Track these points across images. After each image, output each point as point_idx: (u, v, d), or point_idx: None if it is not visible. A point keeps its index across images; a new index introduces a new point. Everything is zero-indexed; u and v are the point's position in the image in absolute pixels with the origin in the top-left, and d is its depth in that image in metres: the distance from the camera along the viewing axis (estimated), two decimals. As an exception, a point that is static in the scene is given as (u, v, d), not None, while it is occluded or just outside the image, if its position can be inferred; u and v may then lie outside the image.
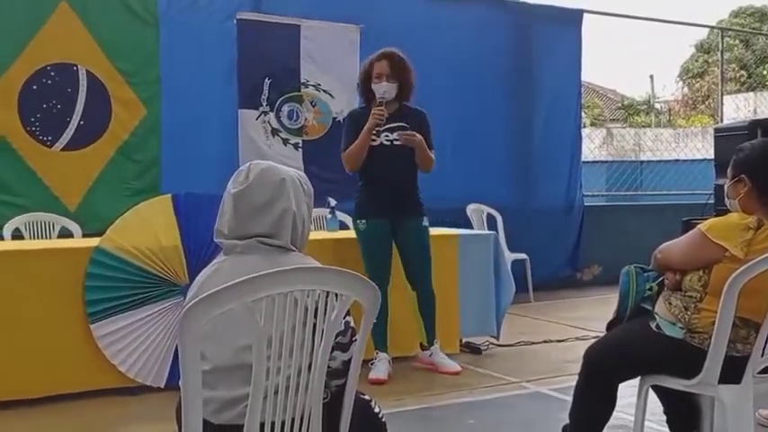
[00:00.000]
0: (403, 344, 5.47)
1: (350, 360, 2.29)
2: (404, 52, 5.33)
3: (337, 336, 2.24)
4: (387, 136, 5.20)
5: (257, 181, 2.41)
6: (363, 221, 5.26)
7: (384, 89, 5.16)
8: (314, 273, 2.17)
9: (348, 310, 2.26)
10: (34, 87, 6.68)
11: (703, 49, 27.02)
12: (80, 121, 6.85)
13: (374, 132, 5.15)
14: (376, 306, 2.20)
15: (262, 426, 2.11)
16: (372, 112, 5.13)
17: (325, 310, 2.12)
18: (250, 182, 2.41)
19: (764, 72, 23.57)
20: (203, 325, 2.03)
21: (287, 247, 2.41)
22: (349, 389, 2.28)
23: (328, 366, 2.21)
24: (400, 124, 5.21)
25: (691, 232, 3.19)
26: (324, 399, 2.21)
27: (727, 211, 3.30)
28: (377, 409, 2.54)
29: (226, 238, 2.43)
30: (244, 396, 2.13)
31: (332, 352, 2.22)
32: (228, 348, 2.25)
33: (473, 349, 5.98)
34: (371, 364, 5.17)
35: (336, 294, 2.13)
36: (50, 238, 6.18)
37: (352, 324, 2.33)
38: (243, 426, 2.11)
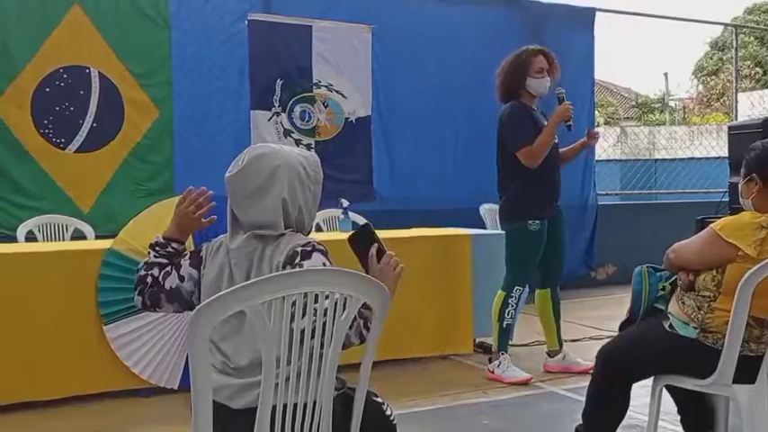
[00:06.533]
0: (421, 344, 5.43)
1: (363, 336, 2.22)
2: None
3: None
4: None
5: (249, 166, 2.40)
6: (537, 222, 5.11)
7: (549, 84, 5.14)
8: (321, 274, 2.16)
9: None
10: (47, 90, 6.71)
11: (718, 46, 26.92)
12: (93, 123, 6.87)
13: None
14: (385, 307, 2.17)
15: (274, 408, 2.10)
16: (566, 106, 5.09)
17: (335, 312, 2.10)
18: (242, 166, 2.41)
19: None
20: (213, 327, 2.04)
21: (282, 233, 2.39)
22: (360, 391, 2.27)
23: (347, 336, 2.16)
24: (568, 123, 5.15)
25: (703, 232, 3.18)
26: (338, 389, 2.21)
27: (741, 210, 3.28)
28: (389, 412, 2.51)
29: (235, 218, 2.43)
30: (258, 382, 2.12)
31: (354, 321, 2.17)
32: (246, 349, 2.26)
33: (486, 349, 5.96)
34: (498, 365, 5.07)
35: (346, 297, 2.11)
36: (63, 239, 6.21)
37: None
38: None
